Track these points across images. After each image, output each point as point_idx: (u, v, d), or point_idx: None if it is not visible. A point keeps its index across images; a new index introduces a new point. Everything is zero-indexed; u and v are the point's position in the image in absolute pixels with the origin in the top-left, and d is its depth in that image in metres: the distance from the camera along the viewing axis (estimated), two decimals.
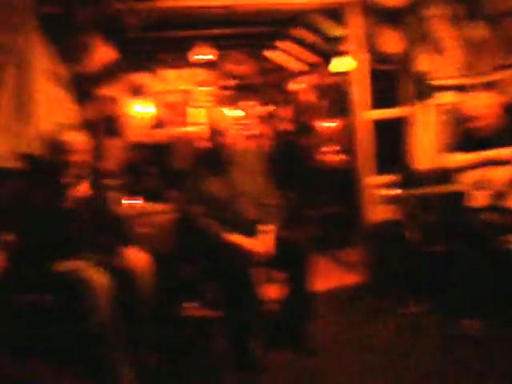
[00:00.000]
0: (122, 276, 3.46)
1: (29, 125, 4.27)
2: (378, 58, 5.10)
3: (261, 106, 10.31)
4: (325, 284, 4.85)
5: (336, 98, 8.37)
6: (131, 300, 3.51)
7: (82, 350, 3.23)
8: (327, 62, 8.18)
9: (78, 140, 3.68)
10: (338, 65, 7.38)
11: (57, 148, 3.63)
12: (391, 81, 5.38)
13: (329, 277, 5.31)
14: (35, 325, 3.07)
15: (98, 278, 3.29)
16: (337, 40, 7.09)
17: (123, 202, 5.30)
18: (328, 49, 7.66)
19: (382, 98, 5.21)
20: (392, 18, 5.07)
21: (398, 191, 4.51)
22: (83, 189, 3.65)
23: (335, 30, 6.90)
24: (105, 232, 3.80)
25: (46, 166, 3.74)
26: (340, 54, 7.17)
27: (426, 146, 5.18)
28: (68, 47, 4.94)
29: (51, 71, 4.45)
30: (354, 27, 5.12)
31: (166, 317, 3.88)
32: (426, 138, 5.18)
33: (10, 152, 4.27)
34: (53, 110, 4.43)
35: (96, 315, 3.18)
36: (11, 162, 4.28)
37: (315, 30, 7.24)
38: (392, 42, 5.06)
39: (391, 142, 5.39)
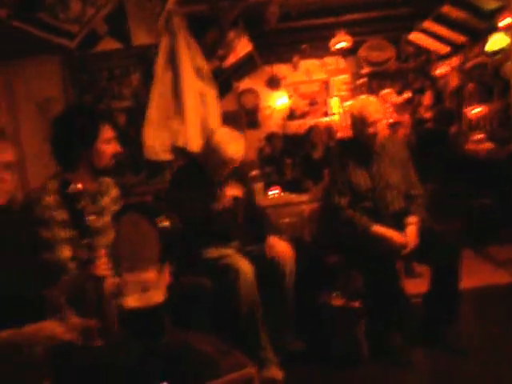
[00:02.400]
0: (266, 264, 3.56)
1: (182, 121, 4.44)
2: None
3: (397, 94, 9.99)
4: (472, 281, 4.52)
5: (486, 80, 7.97)
6: (274, 287, 3.62)
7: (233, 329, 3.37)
8: (476, 41, 7.78)
9: (235, 152, 3.68)
10: (493, 43, 6.98)
11: (218, 158, 3.66)
12: None
13: (476, 274, 4.99)
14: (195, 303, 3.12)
15: (243, 264, 3.42)
16: (491, 14, 6.73)
17: (265, 192, 5.32)
18: (479, 26, 7.28)
19: None
20: None
21: None
22: (235, 188, 3.73)
23: (489, 3, 6.53)
24: (249, 221, 3.92)
25: (200, 163, 3.81)
26: (495, 30, 6.81)
27: None
28: (210, 42, 5.02)
29: (195, 68, 4.54)
30: None
31: (306, 304, 3.85)
32: None
33: (166, 146, 4.46)
34: (198, 106, 4.54)
35: (243, 300, 3.36)
36: (166, 155, 4.57)
37: (465, 6, 6.88)
38: None
39: None
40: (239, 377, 2.13)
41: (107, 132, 2.73)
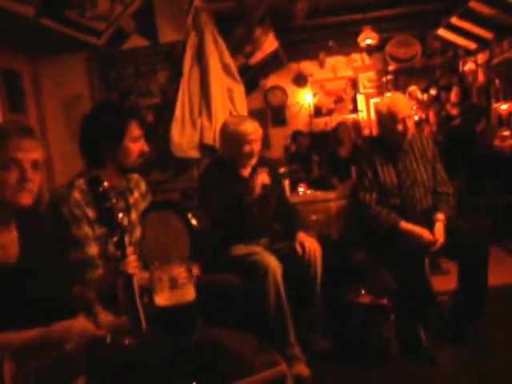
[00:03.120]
0: (295, 261, 3.55)
1: (210, 118, 4.47)
2: None
3: (423, 91, 9.92)
4: (499, 278, 4.49)
5: None
6: (302, 285, 3.60)
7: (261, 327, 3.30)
8: (503, 37, 7.70)
9: (253, 129, 3.66)
10: None
11: (236, 139, 3.64)
12: None
13: (503, 271, 4.93)
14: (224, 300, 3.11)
15: (271, 261, 3.40)
16: None
17: (292, 189, 5.32)
18: (507, 22, 7.20)
19: None
20: None
21: None
22: (263, 178, 3.66)
23: None
24: (279, 217, 3.91)
25: (226, 158, 3.80)
26: None
27: None
28: (237, 39, 5.02)
29: (223, 64, 4.54)
30: None
31: (333, 301, 3.83)
32: None
33: (194, 144, 4.47)
34: (225, 102, 4.54)
35: (271, 297, 3.33)
36: (194, 152, 4.58)
37: (493, 1, 6.80)
38: None
39: None
40: (272, 374, 2.10)
41: (135, 130, 2.71)
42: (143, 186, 2.98)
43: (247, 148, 3.63)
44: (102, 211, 2.26)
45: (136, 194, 2.89)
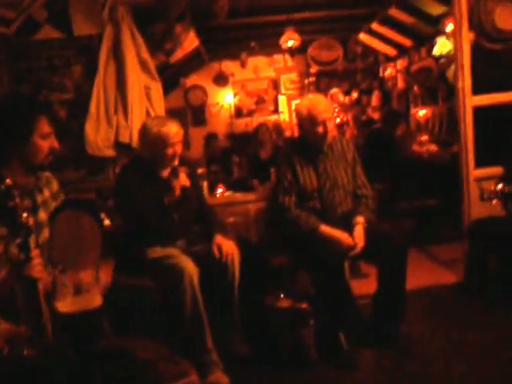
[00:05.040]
0: (212, 264, 3.52)
1: (127, 116, 4.37)
2: (486, 36, 4.65)
3: (345, 94, 10.02)
4: (417, 281, 4.58)
5: (430, 83, 8.07)
6: (219, 288, 3.58)
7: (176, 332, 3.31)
8: (421, 45, 7.89)
9: (176, 132, 3.61)
10: (440, 47, 7.12)
11: (159, 141, 3.57)
12: (499, 62, 4.99)
13: (422, 274, 5.01)
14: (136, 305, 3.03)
15: (188, 264, 3.35)
16: (437, 19, 6.81)
17: (211, 191, 5.26)
18: (425, 30, 7.37)
19: (487, 81, 4.81)
20: None
21: (504, 186, 4.08)
22: (182, 180, 3.63)
23: (436, 8, 6.60)
24: (197, 219, 3.87)
25: (145, 158, 3.71)
26: (440, 34, 6.91)
27: None
28: (156, 35, 4.90)
29: (140, 60, 4.41)
30: (459, 2, 4.59)
31: (252, 306, 3.79)
32: None
33: (109, 142, 4.38)
34: (142, 100, 4.41)
35: (188, 302, 3.27)
36: (109, 151, 4.46)
37: (412, 10, 6.93)
38: (505, 16, 4.56)
39: (497, 130, 5.04)
40: None
41: (44, 126, 2.56)
42: (55, 185, 2.83)
43: (170, 151, 3.57)
44: (4, 210, 2.11)
45: (46, 193, 2.73)
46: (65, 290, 1.91)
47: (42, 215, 2.66)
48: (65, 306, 1.91)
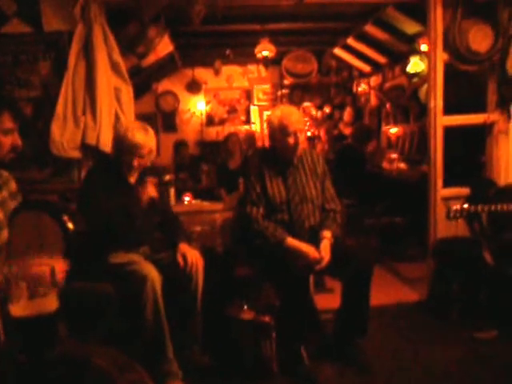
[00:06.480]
0: (175, 272, 3.49)
1: (95, 117, 4.27)
2: (460, 57, 4.67)
3: (317, 108, 10.04)
4: (380, 299, 4.56)
5: (402, 102, 8.12)
6: (181, 294, 3.55)
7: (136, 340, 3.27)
8: (395, 62, 7.94)
9: (149, 141, 3.59)
10: (414, 66, 7.19)
11: (129, 149, 3.53)
12: (471, 83, 5.04)
13: (386, 291, 5.03)
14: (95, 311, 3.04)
15: (151, 271, 3.30)
16: (412, 38, 6.86)
17: (177, 198, 5.19)
18: (400, 48, 7.42)
19: (459, 102, 4.85)
20: (481, 10, 4.61)
21: (469, 206, 4.09)
22: (150, 191, 3.58)
23: (411, 27, 6.64)
24: (161, 226, 3.83)
25: (113, 162, 3.68)
26: (414, 53, 6.96)
27: (510, 159, 4.84)
28: (129, 37, 4.83)
29: (111, 61, 4.33)
30: (434, 22, 4.66)
31: (214, 316, 3.77)
32: (510, 149, 4.83)
33: (75, 143, 4.29)
34: (112, 102, 4.34)
35: (149, 309, 3.23)
36: (75, 152, 4.35)
37: (388, 28, 6.97)
38: (480, 38, 4.59)
39: (466, 151, 5.09)
40: None
41: (6, 122, 2.48)
42: (13, 185, 2.74)
43: (135, 158, 3.55)
44: None
45: (4, 193, 2.64)
46: (18, 292, 1.83)
47: (0, 215, 2.58)
48: (19, 309, 1.84)
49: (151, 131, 3.63)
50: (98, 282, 3.20)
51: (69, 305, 2.10)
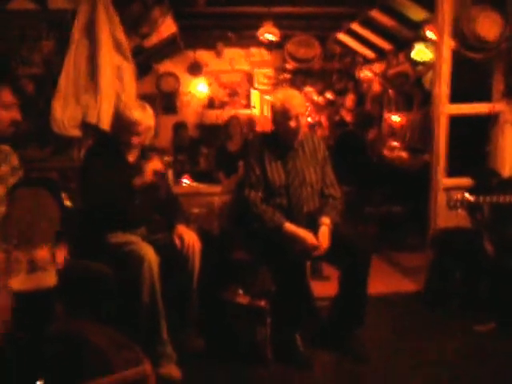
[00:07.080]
0: (172, 254, 3.47)
1: (96, 96, 4.26)
2: (467, 45, 4.61)
3: (319, 93, 9.99)
4: (378, 288, 4.57)
5: (406, 89, 8.07)
6: (177, 276, 3.53)
7: (132, 321, 3.26)
8: (400, 49, 7.87)
9: (147, 119, 3.55)
10: (419, 53, 7.10)
11: (126, 126, 3.50)
12: (479, 71, 4.99)
13: (383, 281, 5.03)
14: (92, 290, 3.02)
15: (148, 252, 3.29)
16: (417, 25, 6.80)
17: (176, 180, 5.21)
18: (405, 35, 7.35)
19: (466, 90, 4.79)
20: None
21: (472, 196, 4.06)
22: (157, 161, 3.54)
23: (418, 14, 6.58)
24: (158, 208, 3.79)
25: (112, 141, 3.64)
26: (419, 40, 6.89)
27: None
28: (132, 17, 4.80)
29: (114, 40, 4.30)
30: (442, 9, 4.60)
31: (209, 299, 3.77)
32: None
33: (76, 122, 4.29)
34: (114, 82, 4.31)
35: (145, 290, 3.23)
36: (75, 131, 4.34)
37: (394, 14, 6.91)
38: (488, 25, 4.50)
39: (471, 140, 5.06)
40: (133, 374, 1.95)
41: (6, 96, 2.51)
42: (15, 160, 2.75)
43: (133, 135, 3.52)
44: None
45: (4, 168, 2.64)
46: (18, 266, 1.83)
47: (1, 190, 2.58)
48: (18, 282, 1.83)
49: (149, 109, 3.59)
50: (95, 261, 3.18)
51: (66, 283, 2.09)
